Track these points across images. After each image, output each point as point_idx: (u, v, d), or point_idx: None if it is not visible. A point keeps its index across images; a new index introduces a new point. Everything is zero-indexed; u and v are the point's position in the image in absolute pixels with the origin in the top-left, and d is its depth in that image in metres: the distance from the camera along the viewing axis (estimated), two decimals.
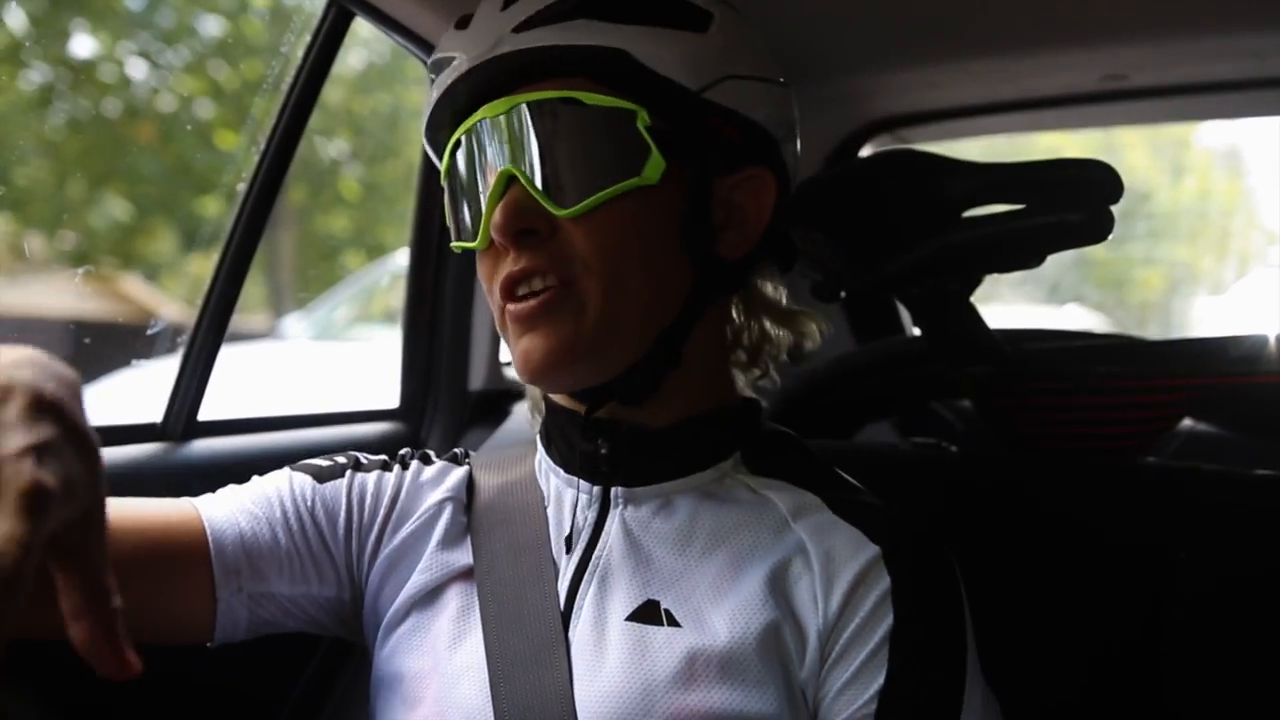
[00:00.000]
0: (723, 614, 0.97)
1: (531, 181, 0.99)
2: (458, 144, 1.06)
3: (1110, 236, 1.45)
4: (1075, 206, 1.46)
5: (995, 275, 1.64)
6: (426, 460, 1.20)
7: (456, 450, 1.24)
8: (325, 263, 8.34)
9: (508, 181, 1.00)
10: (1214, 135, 6.84)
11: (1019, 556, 1.47)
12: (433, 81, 1.08)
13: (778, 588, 0.98)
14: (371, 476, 1.15)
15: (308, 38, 1.56)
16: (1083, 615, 1.42)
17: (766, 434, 1.15)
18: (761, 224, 1.09)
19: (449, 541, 1.10)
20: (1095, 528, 1.44)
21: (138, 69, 7.28)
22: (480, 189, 1.03)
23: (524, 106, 0.99)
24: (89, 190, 6.53)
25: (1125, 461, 1.57)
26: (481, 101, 1.03)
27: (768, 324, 1.17)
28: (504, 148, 1.01)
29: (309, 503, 1.10)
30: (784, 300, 1.18)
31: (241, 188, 1.54)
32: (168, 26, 7.54)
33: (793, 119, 1.13)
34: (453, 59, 1.04)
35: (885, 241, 1.53)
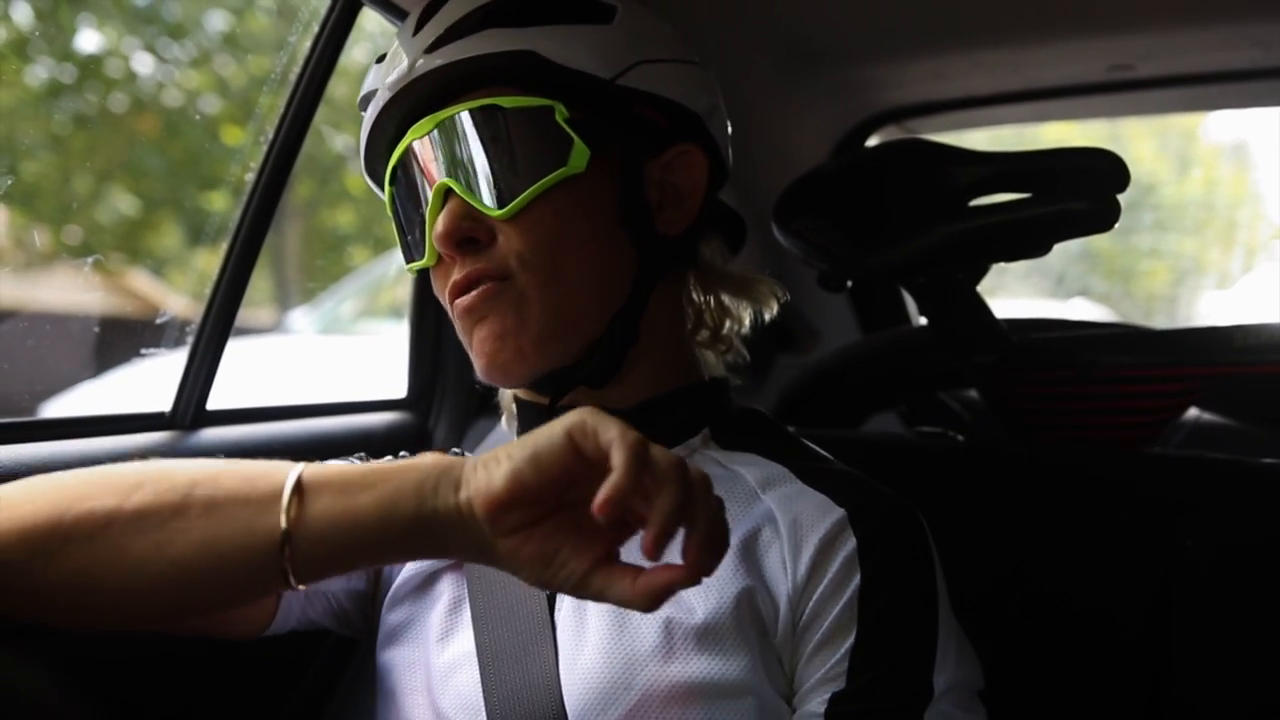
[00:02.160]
0: (697, 587, 0.99)
1: (466, 190, 1.03)
2: (394, 171, 1.10)
3: (1116, 226, 1.46)
4: (1081, 195, 1.46)
5: (1001, 268, 1.65)
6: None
7: (454, 449, 1.27)
8: (331, 257, 8.36)
9: (445, 195, 1.04)
10: (1221, 129, 6.83)
11: (1025, 545, 1.47)
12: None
13: (749, 557, 1.00)
14: None
15: (315, 28, 1.56)
16: (1089, 606, 1.42)
17: (735, 411, 1.17)
18: (697, 198, 1.12)
19: None
20: (1101, 517, 1.44)
21: (144, 64, 7.29)
22: (421, 209, 1.07)
23: (448, 121, 1.03)
24: (95, 185, 6.54)
25: (1132, 451, 1.57)
26: (408, 125, 1.07)
27: (725, 298, 1.20)
28: (436, 164, 1.05)
29: None
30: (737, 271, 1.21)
31: (250, 178, 1.54)
32: (174, 21, 7.54)
33: (714, 96, 1.16)
34: (375, 91, 1.09)
35: (892, 231, 1.54)
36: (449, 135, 1.04)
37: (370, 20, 1.64)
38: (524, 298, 1.02)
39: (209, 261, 1.58)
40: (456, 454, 1.25)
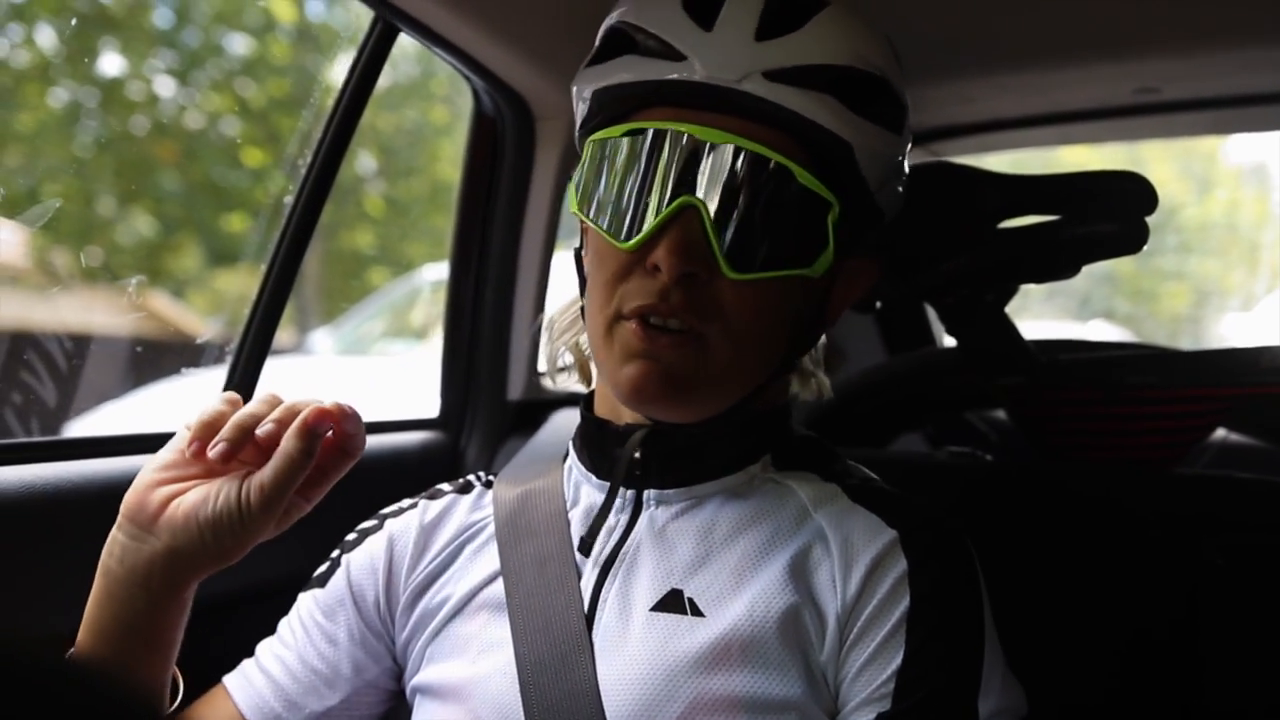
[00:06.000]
0: (744, 600, 0.99)
1: (716, 229, 0.98)
2: (654, 135, 1.00)
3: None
4: (1111, 218, 1.47)
5: (1024, 290, 1.66)
6: (435, 495, 1.22)
7: (477, 474, 1.25)
8: (350, 279, 8.40)
9: (682, 210, 0.98)
10: (1241, 152, 6.82)
11: (1053, 564, 1.47)
12: (627, 41, 1.04)
13: (798, 573, 1.00)
14: (362, 547, 1.18)
15: (353, 52, 1.58)
16: (1117, 624, 1.42)
17: (795, 438, 1.17)
18: (850, 303, 1.14)
19: (476, 556, 1.13)
20: (1129, 537, 1.45)
21: (165, 87, 7.35)
22: (650, 193, 1.00)
23: (744, 151, 0.98)
24: (116, 207, 6.58)
25: (1159, 471, 1.57)
26: (696, 111, 1.00)
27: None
28: (701, 177, 0.98)
29: (323, 613, 1.16)
30: None
31: (289, 201, 1.57)
32: (195, 45, 7.60)
33: None
34: (681, 55, 1.00)
35: (921, 253, 1.55)
36: (733, 164, 0.98)
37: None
38: (707, 357, 1.00)
39: (228, 282, 1.61)
40: (480, 476, 1.25)
